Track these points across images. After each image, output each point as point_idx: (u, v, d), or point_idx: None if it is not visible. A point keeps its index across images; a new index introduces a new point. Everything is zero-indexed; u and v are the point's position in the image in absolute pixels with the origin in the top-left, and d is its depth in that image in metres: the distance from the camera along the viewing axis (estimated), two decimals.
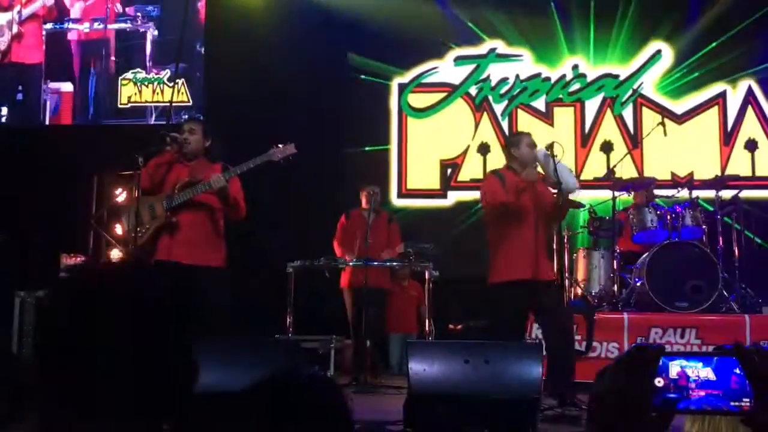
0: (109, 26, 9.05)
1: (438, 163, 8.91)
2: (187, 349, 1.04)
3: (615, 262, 6.71)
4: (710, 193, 7.03)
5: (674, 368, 0.99)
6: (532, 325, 5.78)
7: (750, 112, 8.59)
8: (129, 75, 9.02)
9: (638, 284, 6.53)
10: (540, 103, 8.91)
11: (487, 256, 5.35)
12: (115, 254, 7.31)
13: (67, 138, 8.77)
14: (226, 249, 5.23)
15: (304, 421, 1.14)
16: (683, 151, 8.47)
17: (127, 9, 9.10)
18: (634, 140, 8.52)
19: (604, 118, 8.80)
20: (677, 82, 8.69)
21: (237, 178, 5.18)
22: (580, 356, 5.97)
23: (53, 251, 6.98)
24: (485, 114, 8.95)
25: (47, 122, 9.16)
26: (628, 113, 8.78)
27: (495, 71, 8.98)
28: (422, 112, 9.04)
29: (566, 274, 6.82)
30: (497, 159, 8.51)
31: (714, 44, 8.55)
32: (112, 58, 9.01)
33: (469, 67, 9.03)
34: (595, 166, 8.61)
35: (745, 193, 7.33)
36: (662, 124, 7.10)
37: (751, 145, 8.54)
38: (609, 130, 8.78)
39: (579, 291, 6.89)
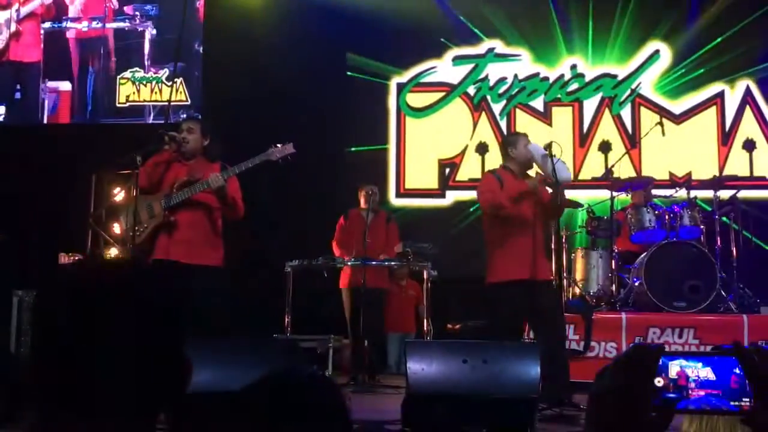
0: (108, 25, 9.04)
1: (436, 163, 8.91)
2: (181, 347, 1.04)
3: (613, 261, 6.71)
4: (708, 193, 7.04)
5: (674, 368, 1.00)
6: (528, 325, 5.78)
7: (748, 112, 8.60)
8: (127, 74, 9.01)
9: (636, 284, 6.53)
10: (538, 103, 8.91)
11: (486, 256, 5.35)
12: (113, 253, 7.30)
13: (65, 137, 8.76)
14: (225, 248, 5.23)
15: (302, 421, 1.13)
16: (681, 151, 8.47)
17: (125, 8, 9.09)
18: (633, 140, 8.52)
19: (602, 118, 8.81)
20: (675, 82, 8.70)
21: (235, 178, 5.17)
22: (578, 356, 5.98)
23: (51, 250, 6.97)
24: (483, 114, 8.95)
25: (45, 121, 9.16)
26: (626, 113, 8.79)
27: (493, 71, 8.98)
28: (420, 111, 9.05)
29: (564, 274, 6.83)
30: (495, 159, 8.50)
31: (712, 44, 8.56)
32: (113, 58, 9.00)
33: (467, 67, 9.03)
34: (594, 166, 8.62)
35: (743, 193, 7.34)
36: (660, 124, 7.10)
37: (749, 145, 8.55)
38: (607, 129, 8.78)
39: (577, 291, 6.89)
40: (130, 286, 1.02)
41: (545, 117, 8.88)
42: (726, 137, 8.59)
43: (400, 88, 9.05)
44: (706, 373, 0.99)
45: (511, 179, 5.25)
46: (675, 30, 8.70)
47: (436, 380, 3.92)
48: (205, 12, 9.05)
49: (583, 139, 8.79)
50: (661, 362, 0.99)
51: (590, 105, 8.85)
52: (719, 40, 8.53)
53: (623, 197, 7.29)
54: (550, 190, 5.19)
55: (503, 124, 8.88)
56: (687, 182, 7.22)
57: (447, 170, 8.90)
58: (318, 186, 8.33)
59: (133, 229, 5.04)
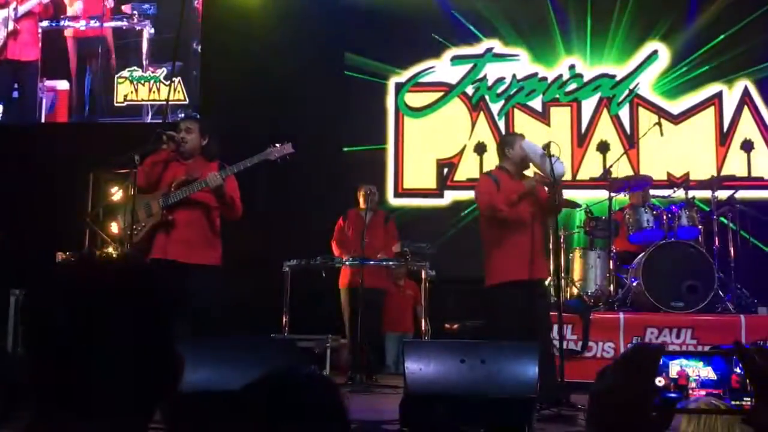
0: (105, 24, 9.03)
1: (434, 163, 8.91)
2: (174, 343, 1.04)
3: (611, 262, 6.71)
4: (706, 194, 7.05)
5: (674, 367, 0.99)
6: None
7: (746, 112, 8.61)
8: (125, 73, 9.00)
9: (634, 284, 6.54)
10: (537, 103, 8.91)
11: (483, 257, 5.34)
12: (108, 252, 7.30)
13: (62, 136, 8.75)
14: (222, 248, 5.22)
15: (301, 421, 1.13)
16: (679, 151, 8.47)
17: (123, 7, 9.08)
18: (631, 140, 8.53)
19: (600, 118, 8.81)
20: (674, 82, 8.70)
21: (233, 177, 5.17)
22: (575, 356, 5.98)
23: (49, 249, 6.95)
24: (482, 114, 8.95)
25: (43, 120, 9.14)
26: (624, 113, 8.79)
27: (492, 71, 8.98)
28: (419, 111, 9.04)
29: (562, 274, 6.83)
30: (494, 158, 8.45)
31: (711, 45, 8.57)
32: (113, 55, 8.99)
33: (465, 67, 9.03)
34: (592, 166, 8.62)
35: (741, 194, 7.35)
36: (659, 124, 7.11)
37: (747, 146, 8.56)
38: (605, 130, 8.78)
39: (575, 291, 6.89)
40: (124, 282, 1.02)
41: (543, 117, 8.88)
42: (724, 137, 8.60)
43: (399, 87, 9.05)
44: (707, 372, 0.99)
45: (507, 180, 5.25)
46: (673, 30, 8.70)
47: (434, 380, 3.92)
48: (203, 11, 9.05)
49: (581, 139, 8.79)
50: (661, 362, 0.99)
51: (588, 105, 8.85)
52: (718, 40, 8.53)
53: (621, 197, 7.29)
54: (547, 189, 5.19)
55: (501, 124, 8.88)
56: (685, 182, 7.23)
57: (445, 170, 8.90)
58: (316, 185, 8.32)
59: (130, 228, 5.04)
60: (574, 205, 7.15)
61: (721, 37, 8.52)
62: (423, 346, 4.83)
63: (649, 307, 6.37)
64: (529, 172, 5.45)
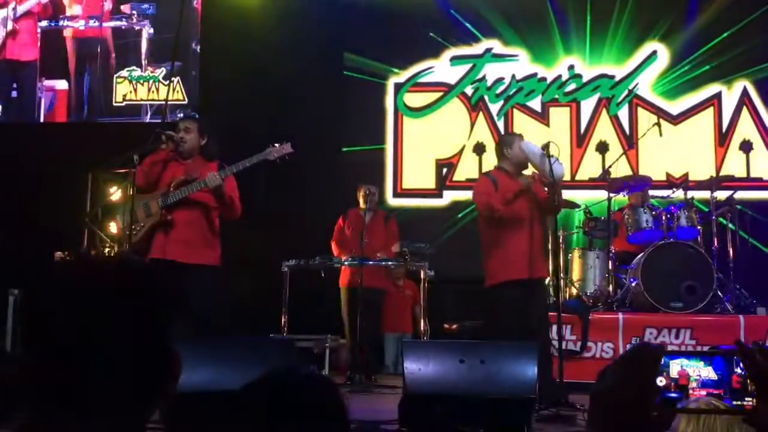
0: (104, 24, 9.02)
1: (433, 163, 8.91)
2: (171, 342, 1.04)
3: (610, 262, 6.71)
4: (705, 194, 7.05)
5: (675, 367, 0.99)
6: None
7: (745, 113, 8.61)
8: (124, 73, 8.99)
9: (633, 284, 6.54)
10: (536, 104, 8.91)
11: (482, 257, 5.34)
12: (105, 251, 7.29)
13: (61, 136, 8.74)
14: (221, 248, 5.22)
15: (301, 421, 1.13)
16: (678, 151, 8.48)
17: (122, 7, 9.07)
18: (630, 141, 8.53)
19: (599, 119, 8.82)
20: (673, 82, 8.71)
21: (232, 177, 5.16)
22: (574, 356, 5.98)
23: (47, 249, 6.95)
24: (481, 114, 8.95)
25: (42, 120, 9.13)
26: (623, 114, 8.80)
27: (491, 71, 8.98)
28: (418, 111, 9.04)
29: (561, 274, 6.83)
30: (493, 159, 8.47)
31: (710, 45, 8.57)
32: (112, 55, 8.98)
33: (465, 67, 9.03)
34: (591, 167, 8.62)
35: (740, 194, 7.36)
36: (658, 124, 7.12)
37: (746, 146, 8.56)
38: (604, 130, 8.79)
39: (574, 291, 6.90)
40: (123, 282, 1.01)
41: (542, 117, 8.88)
42: (723, 138, 8.61)
43: (398, 87, 9.05)
44: (708, 372, 0.98)
45: (505, 180, 5.26)
46: (672, 31, 8.71)
47: (433, 380, 3.92)
48: (202, 11, 9.04)
49: (580, 139, 8.80)
50: (662, 362, 0.99)
51: (588, 105, 8.85)
52: (717, 41, 8.54)
53: (620, 198, 7.29)
54: (546, 189, 5.19)
55: (501, 124, 8.88)
56: (684, 183, 7.23)
57: (444, 170, 8.90)
58: (315, 185, 8.32)
59: (129, 228, 5.03)
60: (573, 205, 7.15)
61: (721, 37, 8.53)
62: (422, 346, 4.83)
63: (648, 307, 6.37)
64: (528, 172, 5.45)
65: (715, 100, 8.65)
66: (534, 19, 8.89)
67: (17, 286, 6.80)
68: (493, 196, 5.15)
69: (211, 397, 2.84)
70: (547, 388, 4.64)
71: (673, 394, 1.00)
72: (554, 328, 5.16)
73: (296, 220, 8.07)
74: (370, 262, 6.56)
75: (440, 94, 9.02)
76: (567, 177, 7.82)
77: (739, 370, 0.98)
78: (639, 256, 6.54)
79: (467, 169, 8.79)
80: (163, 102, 8.44)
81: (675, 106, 8.69)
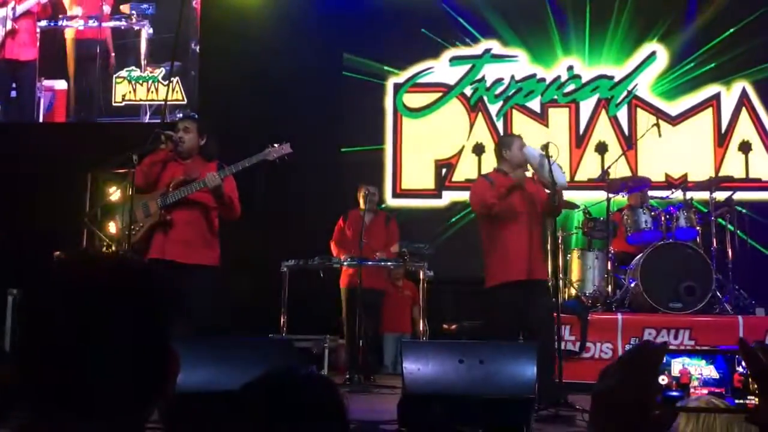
0: (104, 24, 9.01)
1: (433, 163, 8.91)
2: (170, 341, 1.04)
3: (609, 262, 6.72)
4: (704, 195, 7.05)
5: (677, 366, 0.99)
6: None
7: (744, 113, 8.62)
8: (123, 73, 8.99)
9: (632, 285, 6.54)
10: (535, 104, 8.92)
11: (481, 257, 5.35)
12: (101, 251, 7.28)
13: (60, 136, 8.73)
14: (221, 248, 5.22)
15: (300, 421, 1.13)
16: (677, 152, 8.48)
17: (122, 7, 9.07)
18: (629, 141, 8.53)
19: (598, 119, 8.82)
20: (672, 83, 8.71)
21: (232, 177, 5.16)
22: (573, 357, 5.98)
23: (46, 249, 6.94)
24: (480, 114, 8.95)
25: (41, 120, 9.13)
26: (622, 114, 8.80)
27: (490, 72, 8.98)
28: (417, 112, 9.04)
29: (561, 275, 6.83)
30: (492, 159, 8.48)
31: (709, 46, 8.57)
32: (112, 54, 8.98)
33: (464, 68, 9.03)
34: (590, 167, 8.62)
35: (739, 195, 7.36)
36: (657, 125, 7.12)
37: (745, 147, 8.57)
38: (604, 131, 8.79)
39: (573, 292, 6.90)
40: (122, 282, 1.01)
41: (542, 118, 8.89)
42: (722, 139, 8.61)
43: (397, 88, 9.05)
44: (710, 371, 0.98)
45: (503, 181, 5.27)
46: (672, 32, 8.71)
47: (432, 380, 3.92)
48: (201, 11, 9.04)
49: (579, 140, 8.80)
50: (664, 360, 0.99)
51: (587, 106, 8.85)
52: (716, 41, 8.54)
53: (619, 198, 7.29)
54: (547, 191, 5.19)
55: (500, 125, 8.88)
56: (683, 184, 7.24)
57: (443, 171, 8.90)
58: (314, 186, 8.32)
59: (128, 228, 5.03)
60: (572, 206, 7.15)
61: (720, 38, 8.53)
62: (421, 346, 4.83)
63: (647, 308, 6.37)
64: (528, 174, 5.45)
65: (714, 101, 8.66)
66: (533, 19, 8.89)
67: (16, 286, 6.79)
68: (489, 194, 5.16)
69: (210, 397, 2.84)
70: (547, 388, 4.64)
71: (674, 393, 0.99)
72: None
73: (295, 220, 8.07)
74: (369, 263, 6.56)
75: (439, 94, 9.02)
76: (566, 178, 7.82)
77: (741, 369, 0.98)
78: (638, 256, 6.55)
79: (466, 169, 8.79)
80: (163, 102, 8.44)
81: (674, 107, 8.69)
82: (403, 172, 8.95)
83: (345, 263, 6.61)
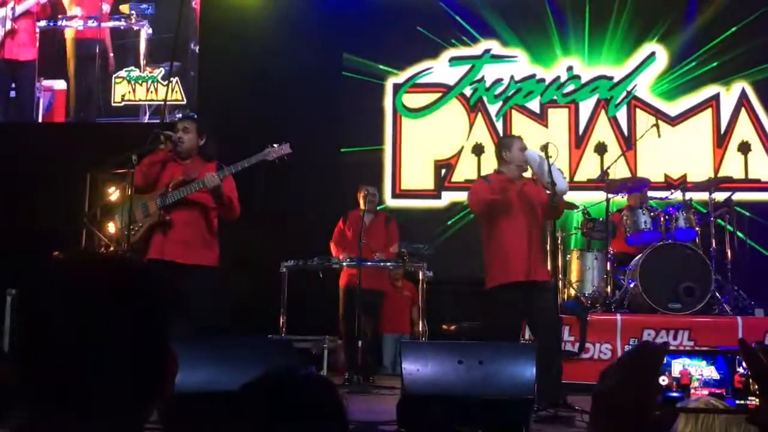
0: (103, 24, 9.01)
1: (432, 164, 8.91)
2: (168, 341, 1.04)
3: (608, 263, 6.72)
4: (703, 195, 7.05)
5: (677, 366, 0.99)
6: (524, 327, 5.78)
7: (743, 114, 8.62)
8: (123, 73, 8.99)
9: (631, 286, 6.54)
10: (534, 104, 8.92)
11: (480, 257, 5.35)
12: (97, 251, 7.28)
13: (60, 136, 8.73)
14: (220, 248, 5.22)
15: (299, 421, 1.13)
16: (677, 153, 8.48)
17: (121, 7, 9.07)
18: (628, 142, 8.54)
19: (598, 120, 8.82)
20: (671, 84, 8.71)
21: (231, 178, 5.16)
22: (573, 357, 5.98)
23: (45, 249, 6.94)
24: (480, 115, 8.95)
25: (40, 120, 9.12)
26: (622, 115, 8.80)
27: (490, 72, 8.99)
28: (417, 112, 9.04)
29: (560, 276, 6.84)
30: (491, 160, 8.48)
31: (708, 47, 8.58)
32: (111, 54, 8.97)
33: (463, 68, 9.03)
34: (589, 168, 8.62)
35: (738, 196, 7.36)
36: (656, 125, 7.12)
37: (745, 148, 8.57)
38: (603, 131, 8.79)
39: (572, 292, 6.90)
40: (122, 282, 1.01)
41: (541, 118, 8.89)
42: (721, 139, 8.61)
43: (397, 88, 9.05)
44: (710, 372, 0.98)
45: (501, 181, 5.27)
46: (671, 32, 8.71)
47: (432, 381, 3.92)
48: (201, 11, 9.04)
49: (578, 140, 8.80)
50: (664, 361, 0.98)
51: (586, 106, 8.85)
52: (715, 42, 8.55)
53: (619, 199, 7.29)
54: (548, 193, 5.18)
55: (499, 125, 8.88)
56: (682, 184, 7.24)
57: (443, 171, 8.90)
58: (314, 186, 8.32)
59: (128, 229, 5.03)
60: (571, 206, 7.15)
61: (719, 39, 8.54)
62: (420, 346, 4.82)
63: (646, 308, 6.37)
64: (528, 175, 5.45)
65: (714, 102, 8.66)
66: (533, 20, 8.90)
67: (15, 286, 6.79)
68: (486, 193, 5.18)
69: (209, 397, 2.84)
70: (549, 388, 4.64)
71: (674, 394, 0.99)
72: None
73: (295, 220, 8.07)
74: (369, 263, 6.56)
75: (439, 94, 9.02)
76: (566, 178, 7.82)
77: (741, 370, 0.97)
78: (637, 257, 6.55)
79: (466, 170, 8.79)
80: (162, 102, 8.44)
81: (673, 108, 8.69)
82: (402, 172, 8.95)
83: (344, 264, 6.61)
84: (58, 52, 9.05)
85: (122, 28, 9.07)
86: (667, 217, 6.65)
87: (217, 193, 5.01)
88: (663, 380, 1.00)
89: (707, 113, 8.67)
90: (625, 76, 8.79)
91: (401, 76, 9.05)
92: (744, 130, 8.60)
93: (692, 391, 0.99)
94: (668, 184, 8.07)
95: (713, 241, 6.75)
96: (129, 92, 8.94)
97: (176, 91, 8.82)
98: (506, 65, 8.97)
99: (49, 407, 0.96)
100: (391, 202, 8.80)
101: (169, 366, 1.03)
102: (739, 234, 7.15)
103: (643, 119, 8.45)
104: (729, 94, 8.64)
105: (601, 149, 8.74)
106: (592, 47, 8.84)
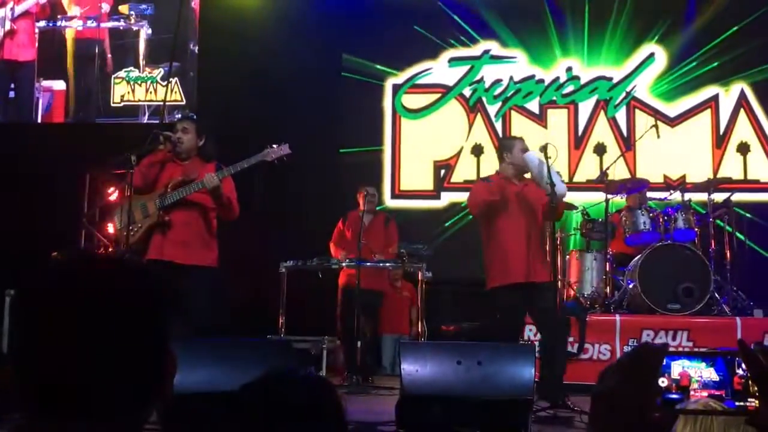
0: (102, 24, 9.00)
1: (431, 164, 8.91)
2: (167, 341, 1.04)
3: (607, 264, 6.72)
4: (702, 196, 7.06)
5: (676, 368, 0.99)
6: (524, 328, 5.78)
7: (742, 115, 8.62)
8: (122, 74, 8.98)
9: (630, 286, 6.54)
10: (533, 105, 8.92)
11: (480, 258, 5.36)
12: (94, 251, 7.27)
13: (59, 136, 8.73)
14: (219, 249, 5.22)
15: (298, 422, 1.13)
16: (676, 153, 8.49)
17: (120, 7, 9.06)
18: (627, 142, 8.54)
19: (597, 121, 8.82)
20: (670, 84, 8.71)
21: (230, 178, 5.16)
22: (572, 358, 5.98)
23: (45, 250, 6.94)
24: (479, 115, 8.96)
25: (39, 120, 9.12)
26: (621, 116, 8.81)
27: (489, 73, 8.99)
28: (416, 113, 9.04)
29: (559, 276, 6.83)
30: (491, 160, 8.51)
31: (707, 47, 8.58)
32: (108, 55, 8.97)
33: (463, 69, 9.03)
34: (588, 169, 8.62)
35: (737, 196, 7.36)
36: (655, 126, 7.12)
37: (744, 149, 8.57)
38: (602, 132, 8.79)
39: (571, 293, 6.90)
40: (121, 282, 1.01)
41: (540, 119, 8.89)
42: (720, 140, 8.62)
43: (396, 89, 9.05)
44: (710, 373, 0.98)
45: (501, 182, 5.27)
46: (670, 33, 8.72)
47: (431, 382, 3.92)
48: (200, 12, 9.03)
49: (578, 141, 8.80)
50: (664, 362, 0.98)
51: (585, 107, 8.86)
52: (714, 43, 8.55)
53: (618, 200, 7.29)
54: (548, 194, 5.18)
55: (498, 126, 8.89)
56: (681, 185, 7.23)
57: (442, 172, 8.90)
58: (313, 187, 8.32)
59: (127, 229, 5.03)
60: (570, 207, 7.15)
61: (718, 40, 8.54)
62: (419, 347, 4.83)
63: (645, 309, 6.37)
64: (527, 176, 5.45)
65: (713, 103, 8.66)
66: (532, 20, 8.90)
67: (13, 287, 6.78)
68: (485, 194, 5.18)
69: (209, 397, 2.84)
70: (550, 388, 4.64)
71: (674, 396, 0.99)
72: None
73: (294, 221, 8.06)
74: (368, 264, 6.56)
75: (438, 95, 9.02)
76: (565, 179, 7.82)
77: (740, 372, 0.97)
78: (636, 257, 6.55)
79: (465, 170, 8.79)
80: (161, 103, 8.43)
81: (672, 108, 8.69)
82: (401, 173, 8.95)
83: (344, 264, 6.62)
84: (57, 52, 9.04)
85: (121, 28, 9.07)
86: (666, 217, 6.66)
87: (216, 194, 5.01)
88: (662, 382, 0.99)
89: (706, 114, 8.68)
90: (625, 77, 8.80)
91: (400, 77, 9.05)
92: (743, 131, 8.61)
93: (691, 392, 0.99)
94: (667, 185, 8.07)
95: (712, 241, 6.76)
96: (128, 93, 8.93)
97: (175, 92, 8.82)
98: (505, 66, 8.97)
99: (47, 408, 0.96)
100: (390, 202, 8.80)
101: (168, 366, 1.03)
102: (738, 235, 7.15)
103: (643, 120, 8.45)
104: (728, 95, 8.64)
105: (600, 150, 8.74)
106: (591, 48, 8.85)
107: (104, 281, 1.00)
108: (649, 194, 7.23)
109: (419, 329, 6.93)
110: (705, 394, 0.99)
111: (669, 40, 8.72)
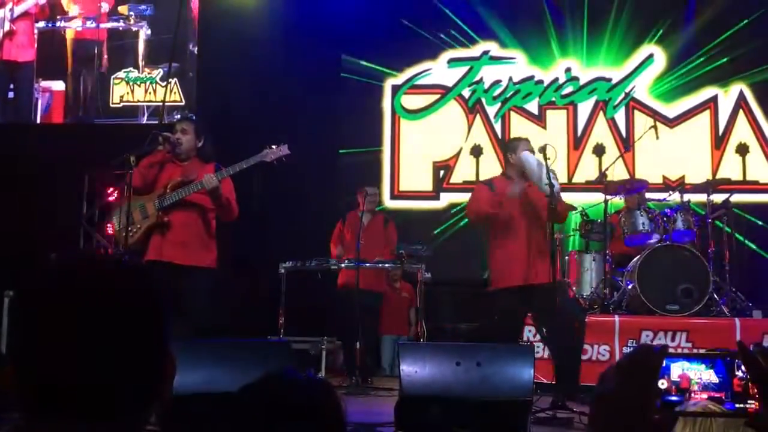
0: (102, 25, 9.00)
1: (431, 165, 8.92)
2: (167, 342, 1.04)
3: (606, 265, 6.72)
4: (701, 197, 7.06)
5: (676, 370, 0.99)
6: (523, 330, 5.78)
7: (741, 116, 8.63)
8: (121, 74, 8.98)
9: (629, 287, 6.54)
10: (533, 106, 8.93)
11: (479, 259, 5.37)
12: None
13: (58, 137, 8.71)
14: (218, 249, 5.21)
15: (298, 422, 1.13)
16: (675, 154, 8.50)
17: (120, 8, 9.06)
18: (626, 143, 8.54)
19: (596, 121, 8.83)
20: (669, 85, 8.72)
21: (229, 179, 5.16)
22: None
23: (43, 250, 6.94)
24: (478, 116, 8.96)
25: (38, 121, 9.11)
26: (620, 116, 8.81)
27: (488, 73, 8.99)
28: (415, 113, 9.05)
29: (566, 279, 6.85)
30: (490, 161, 8.53)
31: (706, 48, 8.59)
32: (105, 56, 8.96)
33: (462, 69, 9.04)
34: (588, 169, 8.63)
35: (736, 197, 7.36)
36: (654, 127, 7.13)
37: (743, 150, 8.58)
38: (601, 133, 8.80)
39: (570, 293, 6.89)
40: (120, 283, 1.01)
41: (539, 120, 8.89)
42: (719, 141, 8.62)
43: (395, 90, 9.05)
44: (709, 375, 0.98)
45: (506, 185, 5.24)
46: (669, 34, 8.73)
47: (430, 382, 3.92)
48: (199, 12, 9.03)
49: (577, 142, 8.81)
50: (663, 364, 0.98)
51: (584, 108, 8.86)
52: (713, 44, 8.56)
53: (617, 200, 7.30)
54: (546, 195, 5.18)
55: (498, 126, 8.89)
56: (680, 186, 7.24)
57: (441, 172, 8.91)
58: (312, 187, 8.32)
59: (126, 230, 5.02)
60: (569, 208, 7.15)
61: (717, 41, 8.55)
62: (418, 348, 4.82)
63: (644, 310, 6.37)
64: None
65: (712, 104, 8.67)
66: (531, 21, 8.91)
67: (12, 288, 6.78)
68: (485, 201, 5.16)
69: (208, 398, 2.84)
70: (566, 380, 4.65)
71: (673, 398, 0.99)
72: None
73: (293, 221, 8.07)
74: (367, 264, 6.56)
75: (437, 96, 9.03)
76: (564, 179, 7.83)
77: (740, 373, 0.97)
78: (635, 258, 6.55)
79: (464, 171, 8.80)
80: (160, 103, 8.43)
81: (671, 109, 8.70)
82: (401, 173, 8.95)
83: (343, 265, 6.62)
84: (56, 53, 9.04)
85: (121, 29, 9.06)
86: (665, 218, 6.66)
87: (215, 195, 5.01)
88: (662, 384, 0.99)
89: (705, 115, 8.68)
90: (624, 78, 8.80)
91: (400, 78, 9.06)
92: (742, 132, 8.62)
93: (691, 395, 0.99)
94: (666, 186, 8.08)
95: (711, 242, 6.76)
96: (127, 93, 8.93)
97: (175, 92, 8.81)
98: (505, 67, 8.98)
99: (47, 408, 0.96)
100: (389, 203, 8.81)
101: (167, 368, 1.03)
102: (737, 236, 7.15)
103: (642, 121, 8.46)
104: (727, 96, 8.65)
105: (599, 151, 8.75)
106: (590, 49, 8.85)
107: (104, 282, 1.00)
108: (648, 195, 7.23)
109: (418, 330, 6.93)
110: (705, 396, 0.99)
111: (668, 41, 8.73)
